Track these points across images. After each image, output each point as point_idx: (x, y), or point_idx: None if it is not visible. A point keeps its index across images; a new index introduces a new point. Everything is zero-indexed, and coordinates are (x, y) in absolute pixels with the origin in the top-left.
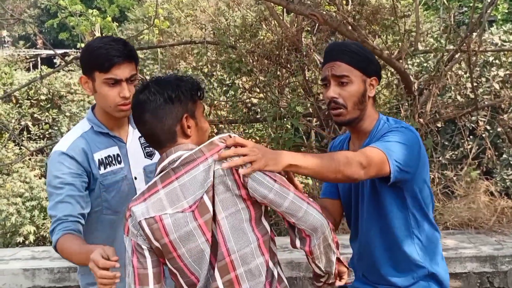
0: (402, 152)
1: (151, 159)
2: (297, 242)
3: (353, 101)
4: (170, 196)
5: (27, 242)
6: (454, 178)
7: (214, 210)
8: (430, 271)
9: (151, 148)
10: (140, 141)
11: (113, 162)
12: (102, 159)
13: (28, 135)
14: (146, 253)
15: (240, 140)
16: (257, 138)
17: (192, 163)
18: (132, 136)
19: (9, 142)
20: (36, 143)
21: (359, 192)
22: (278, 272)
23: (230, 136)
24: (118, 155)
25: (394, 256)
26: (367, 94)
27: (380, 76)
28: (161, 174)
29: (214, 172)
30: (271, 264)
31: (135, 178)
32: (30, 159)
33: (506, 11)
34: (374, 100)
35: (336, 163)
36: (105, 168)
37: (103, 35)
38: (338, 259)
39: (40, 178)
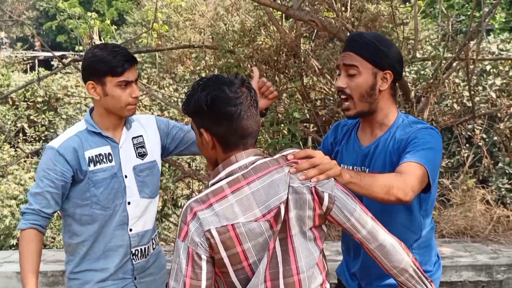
0: (435, 160)
1: (142, 160)
2: None
3: (360, 93)
4: (241, 203)
5: None
6: (450, 186)
7: (287, 224)
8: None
9: (143, 149)
10: (133, 142)
11: (104, 160)
12: (92, 156)
13: (24, 137)
14: (204, 264)
15: (310, 152)
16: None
17: (265, 170)
18: (126, 136)
19: (5, 144)
20: (32, 145)
21: None
22: None
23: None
24: (109, 154)
25: None
26: (377, 88)
27: (398, 71)
28: (228, 179)
29: (290, 187)
30: (327, 284)
31: (126, 177)
32: (25, 161)
33: (504, 20)
34: (394, 94)
35: (389, 185)
36: (95, 165)
37: (101, 38)
38: None
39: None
